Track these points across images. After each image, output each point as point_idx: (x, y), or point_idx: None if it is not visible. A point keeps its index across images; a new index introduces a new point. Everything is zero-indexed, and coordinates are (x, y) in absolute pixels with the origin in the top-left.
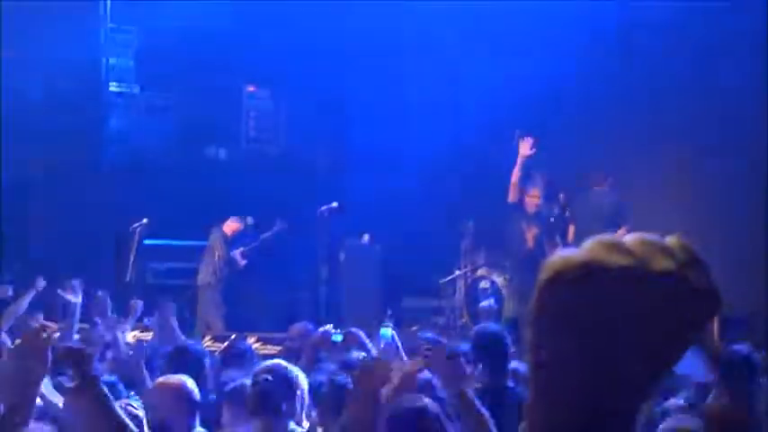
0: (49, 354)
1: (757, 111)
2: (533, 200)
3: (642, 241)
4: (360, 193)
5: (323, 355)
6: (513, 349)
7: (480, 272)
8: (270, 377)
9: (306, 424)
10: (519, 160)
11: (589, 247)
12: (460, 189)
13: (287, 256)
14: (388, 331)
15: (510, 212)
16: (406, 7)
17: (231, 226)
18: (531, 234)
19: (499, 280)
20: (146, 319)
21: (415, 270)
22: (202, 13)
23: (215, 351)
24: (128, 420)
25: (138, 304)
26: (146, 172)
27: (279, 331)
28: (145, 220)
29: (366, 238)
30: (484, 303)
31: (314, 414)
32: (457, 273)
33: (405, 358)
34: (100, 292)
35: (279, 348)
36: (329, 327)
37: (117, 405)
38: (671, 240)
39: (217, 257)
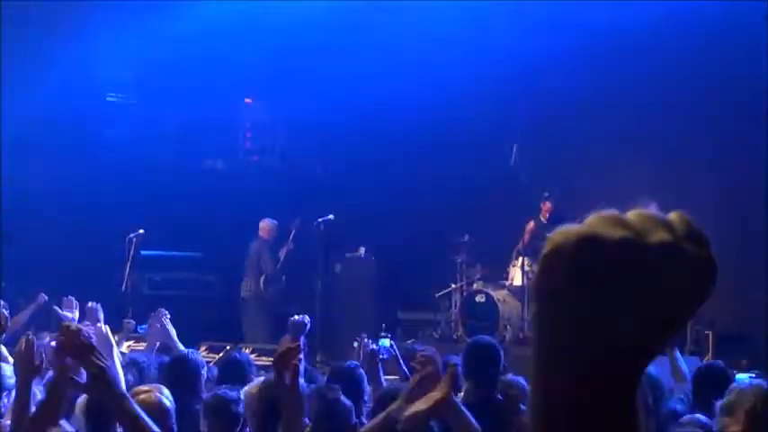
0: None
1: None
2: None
3: (642, 215)
4: (357, 206)
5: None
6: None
7: (476, 285)
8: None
9: None
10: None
11: (589, 221)
12: (457, 203)
13: (282, 266)
14: (386, 341)
15: None
16: (404, 19)
17: (265, 228)
18: None
19: (495, 294)
20: (140, 328)
21: (410, 283)
22: (200, 25)
23: (209, 362)
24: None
25: (131, 324)
26: (143, 182)
27: (273, 343)
28: (141, 231)
29: (362, 250)
30: None
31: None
32: (453, 286)
33: (404, 368)
34: (90, 303)
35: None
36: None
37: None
38: (672, 215)
39: (257, 267)
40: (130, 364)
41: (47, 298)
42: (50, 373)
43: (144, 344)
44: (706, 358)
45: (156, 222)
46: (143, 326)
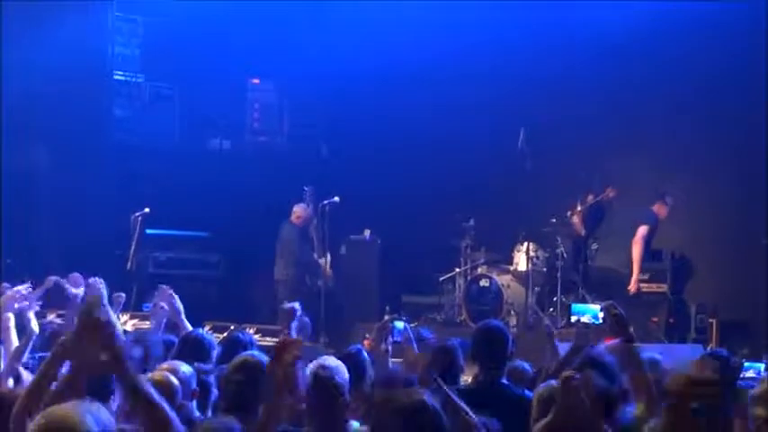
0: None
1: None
2: None
3: None
4: (362, 188)
5: None
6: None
7: (480, 270)
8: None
9: None
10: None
11: None
12: (462, 187)
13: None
14: (401, 324)
15: None
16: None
17: (297, 213)
18: None
19: (499, 279)
20: (144, 306)
21: (415, 266)
22: (208, 4)
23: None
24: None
25: (121, 298)
26: (149, 161)
27: (276, 323)
28: (146, 210)
29: (367, 233)
30: None
31: None
32: (457, 270)
33: (416, 351)
34: (91, 279)
35: (277, 340)
36: None
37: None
38: None
39: (290, 252)
40: (137, 341)
41: (56, 278)
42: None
43: (147, 322)
44: (710, 346)
45: (161, 201)
46: (148, 304)
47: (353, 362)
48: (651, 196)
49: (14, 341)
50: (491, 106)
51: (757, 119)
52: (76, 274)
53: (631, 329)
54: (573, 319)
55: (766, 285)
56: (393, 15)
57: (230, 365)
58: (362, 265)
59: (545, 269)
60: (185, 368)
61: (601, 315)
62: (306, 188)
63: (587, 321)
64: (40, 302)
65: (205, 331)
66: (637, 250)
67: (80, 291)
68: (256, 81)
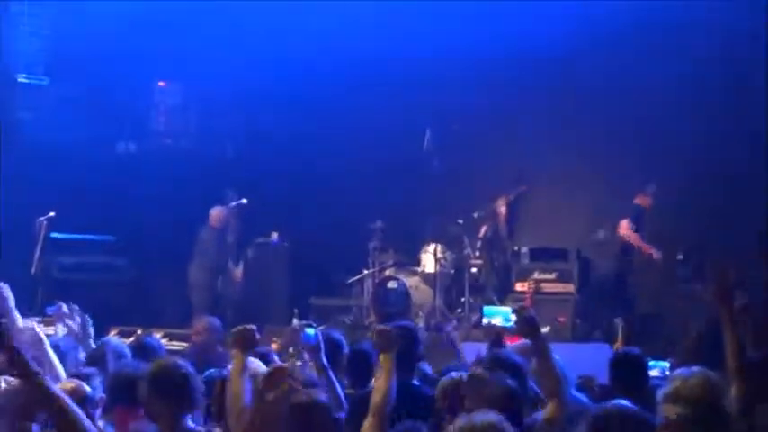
0: None
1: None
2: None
3: None
4: (269, 190)
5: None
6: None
7: (388, 272)
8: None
9: None
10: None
11: None
12: (370, 189)
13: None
14: (311, 330)
15: None
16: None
17: (214, 215)
18: None
19: (407, 281)
20: (49, 310)
21: (323, 269)
22: (114, 6)
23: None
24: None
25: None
26: (54, 164)
27: (183, 327)
28: (51, 213)
29: (275, 235)
30: None
31: None
32: (365, 272)
33: (323, 358)
34: None
35: (185, 345)
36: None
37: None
38: None
39: (205, 255)
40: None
41: None
42: None
43: (52, 327)
44: (615, 346)
45: (67, 205)
46: (51, 307)
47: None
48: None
49: None
50: (399, 107)
51: (693, 125)
52: None
53: (543, 331)
54: (484, 321)
55: (674, 288)
56: (301, 17)
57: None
58: (270, 268)
59: (453, 271)
60: (87, 385)
61: (513, 317)
62: (228, 190)
63: (498, 324)
64: None
65: (112, 336)
66: (632, 237)
67: None
68: (162, 84)
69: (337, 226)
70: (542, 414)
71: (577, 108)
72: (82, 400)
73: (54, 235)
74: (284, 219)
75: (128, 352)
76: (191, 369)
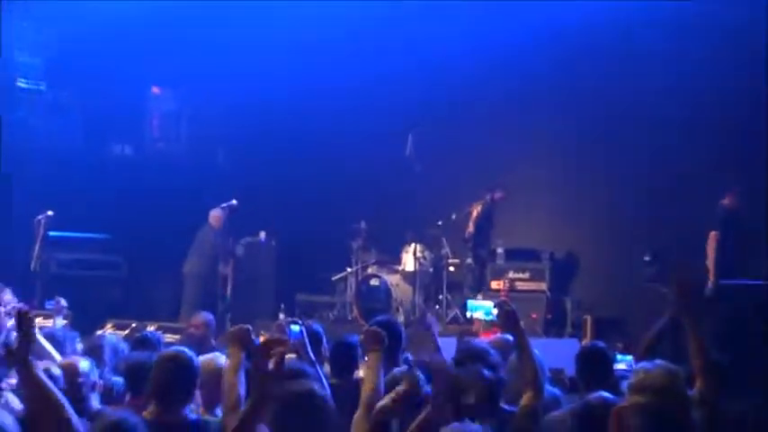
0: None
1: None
2: None
3: None
4: (258, 192)
5: None
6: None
7: (370, 270)
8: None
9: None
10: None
11: None
12: (354, 190)
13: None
14: (296, 327)
15: None
16: (306, 12)
17: (215, 217)
18: None
19: (388, 278)
20: (47, 304)
21: (309, 267)
22: (110, 12)
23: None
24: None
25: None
26: (53, 166)
27: (174, 320)
28: (50, 212)
29: (262, 235)
30: None
31: None
32: (348, 270)
33: (310, 352)
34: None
35: (178, 337)
36: None
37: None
38: None
39: (205, 250)
40: (47, 337)
41: None
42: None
43: (51, 320)
44: (584, 341)
45: (64, 205)
46: (51, 301)
47: None
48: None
49: None
50: (383, 111)
51: (659, 130)
52: None
53: (522, 324)
54: (468, 315)
55: (640, 288)
56: (289, 28)
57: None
58: (259, 266)
59: (431, 269)
60: (84, 363)
61: (494, 311)
62: (234, 202)
63: (481, 317)
64: None
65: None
66: (710, 258)
67: None
68: (156, 90)
69: (323, 226)
70: (521, 402)
71: (551, 118)
72: (75, 375)
73: (52, 233)
74: (272, 219)
75: (124, 346)
76: (197, 361)
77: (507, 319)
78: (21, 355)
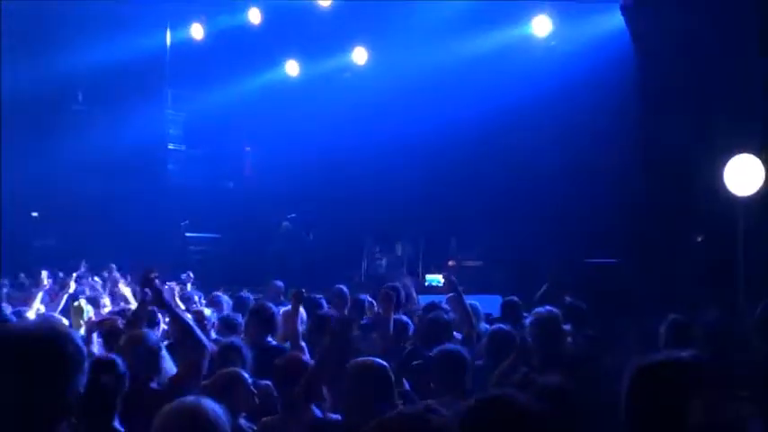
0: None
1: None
2: None
3: None
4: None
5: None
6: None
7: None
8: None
9: None
10: None
11: None
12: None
13: (264, 242)
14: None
15: None
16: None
17: (285, 227)
18: None
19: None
20: (183, 276)
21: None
22: (221, 98)
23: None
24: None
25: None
26: (189, 193)
27: (256, 286)
28: (186, 221)
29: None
30: None
31: None
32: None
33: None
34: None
35: (260, 296)
36: None
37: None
38: None
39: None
40: (183, 297)
41: (85, 267)
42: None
43: (184, 285)
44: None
45: (195, 216)
46: (184, 274)
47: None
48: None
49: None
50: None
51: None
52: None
53: (460, 288)
54: (426, 283)
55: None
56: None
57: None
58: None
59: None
60: (207, 311)
61: (442, 280)
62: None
63: (435, 284)
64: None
65: (221, 292)
66: None
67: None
68: (248, 148)
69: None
70: (463, 331)
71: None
72: (201, 319)
73: (188, 234)
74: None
75: (229, 301)
76: (277, 310)
77: (449, 284)
78: (161, 300)
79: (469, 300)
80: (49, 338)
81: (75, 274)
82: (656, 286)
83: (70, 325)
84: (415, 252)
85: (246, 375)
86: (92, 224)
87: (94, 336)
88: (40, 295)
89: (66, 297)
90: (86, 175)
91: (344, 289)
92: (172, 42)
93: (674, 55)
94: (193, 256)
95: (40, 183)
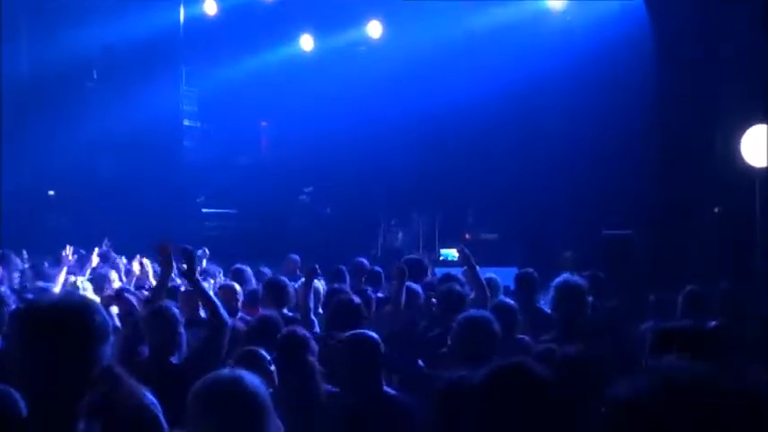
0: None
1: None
2: None
3: None
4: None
5: None
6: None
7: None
8: None
9: None
10: None
11: None
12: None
13: (273, 214)
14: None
15: None
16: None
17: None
18: None
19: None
20: (198, 251)
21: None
22: (236, 75)
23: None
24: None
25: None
26: (203, 171)
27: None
28: (202, 197)
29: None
30: None
31: None
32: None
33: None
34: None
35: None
36: None
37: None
38: None
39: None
40: (203, 271)
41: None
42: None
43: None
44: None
45: (210, 191)
46: (200, 250)
47: None
48: None
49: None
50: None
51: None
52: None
53: (473, 260)
54: (441, 257)
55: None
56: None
57: None
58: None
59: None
60: (237, 287)
61: (456, 254)
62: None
63: (450, 259)
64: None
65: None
66: None
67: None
68: (264, 123)
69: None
70: (471, 299)
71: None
72: (232, 293)
73: (204, 209)
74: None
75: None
76: (291, 285)
77: (464, 257)
78: (191, 273)
79: (486, 272)
80: (77, 310)
81: (97, 249)
82: (674, 257)
83: None
84: (431, 225)
85: (265, 354)
86: (107, 201)
87: (113, 309)
88: (64, 270)
89: (88, 273)
90: (101, 152)
91: (365, 261)
92: (185, 18)
93: (690, 26)
94: (210, 232)
95: (56, 161)
